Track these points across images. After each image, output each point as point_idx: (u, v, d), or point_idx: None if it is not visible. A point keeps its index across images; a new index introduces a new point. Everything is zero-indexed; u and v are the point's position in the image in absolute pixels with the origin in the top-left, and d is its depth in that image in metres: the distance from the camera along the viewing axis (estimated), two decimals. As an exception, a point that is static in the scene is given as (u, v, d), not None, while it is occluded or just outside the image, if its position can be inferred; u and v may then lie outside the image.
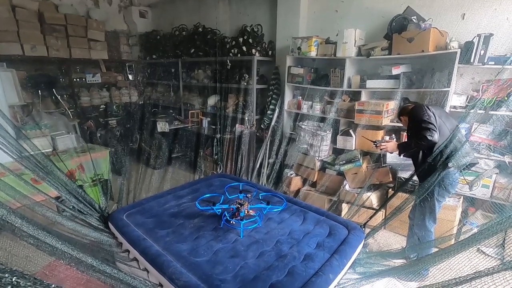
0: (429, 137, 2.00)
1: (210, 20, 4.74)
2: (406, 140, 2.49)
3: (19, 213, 1.19)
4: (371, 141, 2.46)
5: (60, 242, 1.25)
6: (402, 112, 2.38)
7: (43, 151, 2.19)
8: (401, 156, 2.44)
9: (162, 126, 4.59)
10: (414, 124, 2.16)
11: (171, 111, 5.29)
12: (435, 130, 2.00)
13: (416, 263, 1.88)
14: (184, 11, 5.30)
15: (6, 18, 3.94)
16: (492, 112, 2.44)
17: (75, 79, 4.90)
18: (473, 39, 2.47)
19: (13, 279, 0.71)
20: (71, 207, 2.05)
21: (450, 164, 2.04)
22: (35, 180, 2.12)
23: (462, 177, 2.23)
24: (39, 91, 4.34)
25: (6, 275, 0.72)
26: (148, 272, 1.70)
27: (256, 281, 1.51)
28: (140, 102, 5.68)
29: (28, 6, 4.18)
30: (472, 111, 2.29)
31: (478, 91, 2.64)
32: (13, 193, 1.50)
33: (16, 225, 1.12)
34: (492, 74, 2.57)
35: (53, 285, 0.81)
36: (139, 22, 5.83)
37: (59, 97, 4.53)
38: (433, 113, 2.09)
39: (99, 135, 4.86)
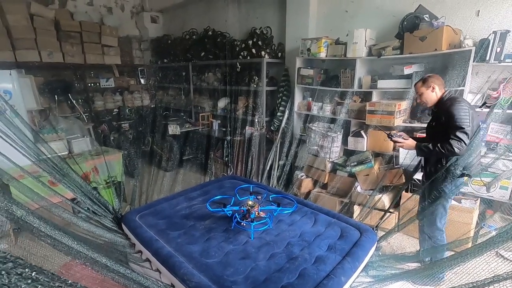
0: (456, 150, 1.79)
1: (219, 23, 4.80)
2: (424, 137, 2.29)
3: (37, 214, 1.23)
4: (386, 133, 2.32)
5: (75, 242, 1.29)
6: (427, 81, 2.00)
7: (59, 154, 2.27)
8: (417, 157, 2.37)
9: (173, 128, 4.65)
10: (446, 120, 1.89)
11: (182, 114, 5.36)
12: (466, 144, 1.77)
13: (431, 267, 1.84)
14: (194, 15, 5.37)
15: (24, 26, 4.10)
16: (510, 111, 2.37)
17: (89, 84, 5.06)
18: (488, 36, 2.41)
19: (33, 274, 0.75)
20: (86, 208, 2.11)
21: (460, 172, 1.95)
22: (52, 182, 2.19)
23: (479, 179, 2.16)
24: (56, 96, 4.49)
25: (26, 269, 0.76)
26: (160, 273, 1.73)
27: (267, 283, 1.51)
28: (152, 106, 5.79)
29: (45, 14, 4.35)
30: (495, 111, 2.16)
31: (494, 89, 2.56)
32: (32, 195, 1.57)
33: (35, 225, 1.16)
34: (510, 72, 2.49)
35: (69, 281, 0.84)
36: (151, 27, 5.95)
37: (74, 101, 4.68)
38: (472, 118, 1.82)
39: (112, 138, 4.98)
